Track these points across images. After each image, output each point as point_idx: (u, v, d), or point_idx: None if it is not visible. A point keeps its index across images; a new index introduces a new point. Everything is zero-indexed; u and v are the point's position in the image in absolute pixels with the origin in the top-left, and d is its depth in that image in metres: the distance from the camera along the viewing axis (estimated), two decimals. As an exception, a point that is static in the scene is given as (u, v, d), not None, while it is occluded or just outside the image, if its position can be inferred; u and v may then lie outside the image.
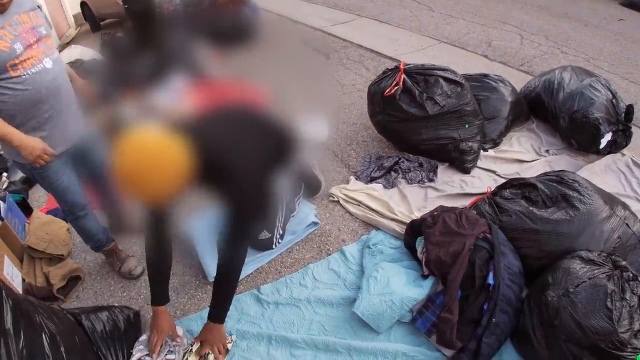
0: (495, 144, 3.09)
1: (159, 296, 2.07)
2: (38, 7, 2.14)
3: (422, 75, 2.88)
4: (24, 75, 1.98)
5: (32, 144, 2.04)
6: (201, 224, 2.64)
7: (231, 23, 3.73)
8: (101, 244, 2.64)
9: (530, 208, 2.21)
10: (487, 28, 4.95)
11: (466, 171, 2.90)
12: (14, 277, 2.62)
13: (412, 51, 4.54)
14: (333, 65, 4.15)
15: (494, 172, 2.92)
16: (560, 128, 3.08)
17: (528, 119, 3.31)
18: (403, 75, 2.88)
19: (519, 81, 3.51)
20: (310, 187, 2.72)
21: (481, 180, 2.87)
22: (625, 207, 2.25)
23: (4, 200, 2.84)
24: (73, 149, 2.28)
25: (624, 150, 3.01)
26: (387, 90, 2.86)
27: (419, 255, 2.29)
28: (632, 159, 2.94)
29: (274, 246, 2.51)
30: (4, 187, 3.38)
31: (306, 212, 2.66)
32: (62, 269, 2.71)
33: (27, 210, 3.11)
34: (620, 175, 2.87)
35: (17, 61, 1.95)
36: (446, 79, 2.86)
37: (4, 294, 1.66)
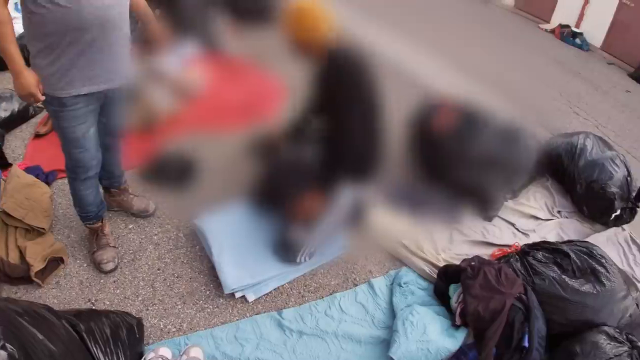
0: (515, 195, 3.08)
1: None
2: None
3: (469, 116, 2.80)
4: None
5: (26, 80, 1.75)
6: (222, 226, 2.36)
7: (252, 1, 3.46)
8: (90, 217, 2.27)
9: (563, 276, 2.23)
10: (506, 69, 4.91)
11: (489, 219, 2.85)
12: (-18, 248, 2.20)
13: (442, 79, 4.40)
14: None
15: (512, 224, 2.90)
16: (575, 193, 3.13)
17: (545, 175, 3.34)
18: (452, 112, 2.78)
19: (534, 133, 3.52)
20: (357, 220, 2.53)
21: (501, 231, 2.84)
22: (637, 288, 2.49)
23: (-21, 148, 2.37)
24: (103, 95, 1.96)
25: (624, 225, 3.09)
26: (434, 125, 2.77)
27: (453, 303, 2.21)
28: (630, 236, 3.02)
29: (298, 260, 2.29)
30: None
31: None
32: (42, 245, 2.30)
33: (1, 162, 2.63)
34: (619, 249, 2.94)
35: None
36: (492, 125, 2.81)
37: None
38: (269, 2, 3.22)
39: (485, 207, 2.85)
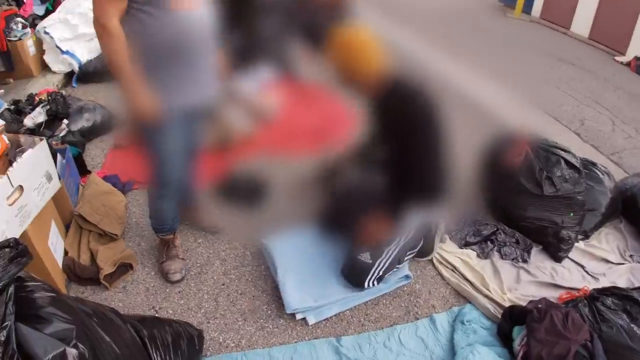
0: (587, 236, 2.92)
1: None
2: None
3: (546, 152, 2.71)
4: (170, 13, 1.72)
5: (144, 97, 1.77)
6: (288, 247, 2.38)
7: (328, 24, 3.48)
8: (164, 229, 2.34)
9: (632, 325, 2.08)
10: (581, 104, 4.79)
11: (558, 260, 2.72)
12: (57, 248, 2.32)
13: (507, 110, 4.31)
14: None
15: (582, 267, 2.75)
16: (650, 236, 2.94)
17: (618, 216, 3.18)
18: (527, 147, 2.69)
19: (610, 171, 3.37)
20: (423, 249, 2.49)
21: (570, 273, 2.70)
22: None
23: (63, 153, 2.49)
24: (194, 111, 1.99)
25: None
26: (509, 159, 2.67)
27: (516, 346, 2.11)
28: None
29: (366, 284, 2.25)
30: (62, 134, 2.99)
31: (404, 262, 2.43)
32: (114, 251, 2.39)
33: (81, 169, 2.75)
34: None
35: None
36: (567, 162, 2.69)
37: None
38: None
39: (556, 248, 2.73)
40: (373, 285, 2.27)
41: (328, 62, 2.04)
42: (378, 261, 2.24)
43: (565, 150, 2.75)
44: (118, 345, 1.56)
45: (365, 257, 2.24)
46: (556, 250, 2.72)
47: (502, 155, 2.76)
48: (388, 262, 2.26)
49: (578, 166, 2.71)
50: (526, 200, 2.70)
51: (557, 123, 4.27)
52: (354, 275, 2.27)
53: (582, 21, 7.27)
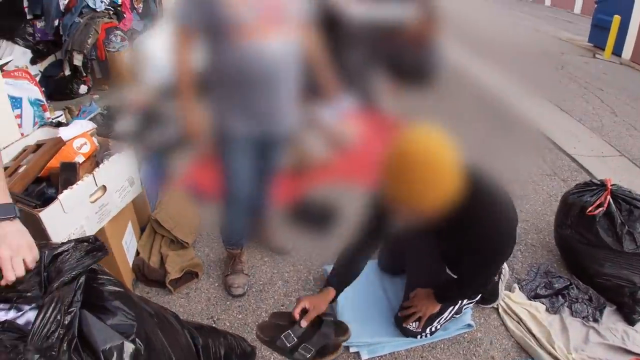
0: (664, 300, 2.73)
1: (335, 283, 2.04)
2: None
3: (629, 204, 2.55)
4: (237, 44, 1.79)
5: (194, 117, 1.94)
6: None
7: (414, 60, 3.48)
8: (231, 242, 2.43)
9: None
10: None
11: (632, 322, 2.53)
12: (130, 248, 2.43)
13: (592, 156, 4.18)
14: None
15: (657, 332, 2.57)
16: None
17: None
18: (609, 197, 2.56)
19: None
20: (486, 298, 2.42)
21: (643, 339, 2.53)
22: None
23: (148, 160, 2.63)
24: (263, 136, 2.08)
25: None
26: (589, 209, 2.54)
27: (576, 413, 1.99)
28: None
29: (418, 337, 2.20)
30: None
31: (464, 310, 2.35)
32: (183, 257, 2.49)
33: (163, 177, 2.89)
34: None
35: (235, 28, 1.76)
36: (650, 217, 2.53)
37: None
38: (429, 64, 3.24)
39: (631, 309, 2.55)
40: (425, 337, 2.22)
41: (381, 177, 1.60)
42: (429, 328, 2.19)
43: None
44: (173, 348, 1.60)
45: (415, 327, 2.18)
46: (631, 312, 2.54)
47: (583, 204, 2.64)
48: (439, 326, 2.22)
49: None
50: (604, 255, 2.55)
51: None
52: (403, 332, 2.22)
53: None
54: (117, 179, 2.26)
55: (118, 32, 4.52)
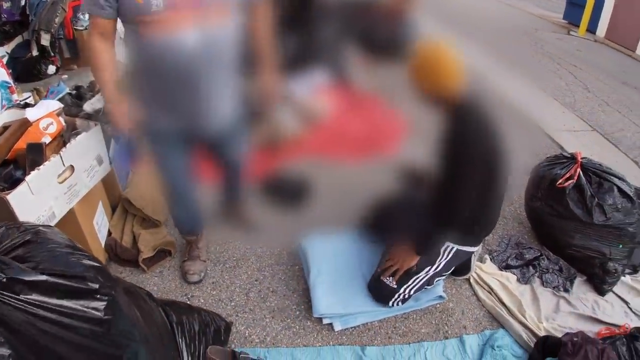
0: (635, 271, 2.77)
1: None
2: None
3: (598, 177, 2.58)
4: (150, 38, 1.62)
5: (116, 107, 1.80)
6: (324, 251, 2.39)
7: (387, 34, 3.47)
8: (182, 231, 2.39)
9: None
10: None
11: (602, 293, 2.59)
12: (101, 228, 2.41)
13: (564, 130, 4.25)
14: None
15: (627, 303, 2.61)
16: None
17: (670, 251, 3.01)
18: (579, 170, 2.59)
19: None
20: (459, 270, 2.44)
21: (613, 308, 2.56)
22: None
23: (117, 139, 2.58)
24: (195, 131, 1.95)
25: None
26: (559, 182, 2.57)
27: (546, 379, 2.04)
28: None
29: (390, 304, 2.22)
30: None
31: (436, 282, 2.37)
32: (155, 236, 2.47)
33: (134, 155, 2.85)
34: None
35: (148, 19, 1.58)
36: (620, 190, 2.55)
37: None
38: (402, 38, 3.22)
39: (601, 280, 2.60)
40: (397, 305, 2.23)
41: (407, 73, 2.00)
42: (404, 287, 2.20)
43: (619, 178, 2.62)
44: (148, 324, 1.61)
45: (390, 281, 2.20)
46: (601, 283, 2.60)
47: (555, 177, 2.67)
48: (414, 288, 2.22)
49: (632, 195, 2.58)
50: (574, 227, 2.59)
51: (615, 148, 4.09)
52: (378, 294, 2.25)
53: (649, 44, 6.94)
54: (85, 158, 2.23)
55: (87, 9, 4.39)
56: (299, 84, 2.99)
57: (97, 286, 1.29)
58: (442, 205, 2.11)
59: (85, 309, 1.25)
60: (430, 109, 2.03)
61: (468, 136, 1.95)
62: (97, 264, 1.36)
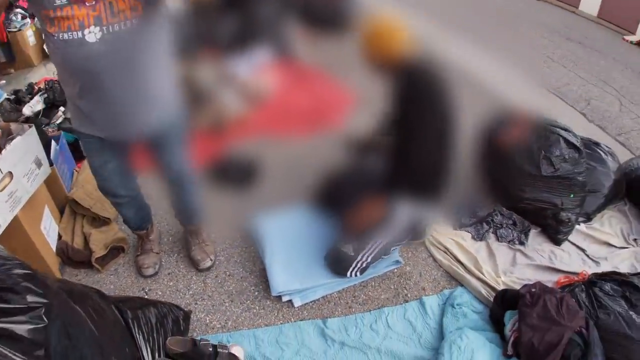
0: (589, 219, 2.84)
1: None
2: None
3: (545, 131, 2.61)
4: (55, 36, 1.47)
5: None
6: (277, 229, 2.38)
7: (328, 8, 3.44)
8: (131, 227, 2.31)
9: (630, 312, 2.01)
10: (587, 84, 4.66)
11: (558, 242, 2.65)
12: (50, 232, 2.34)
13: (510, 88, 4.24)
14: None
15: (583, 250, 2.68)
16: (656, 219, 2.83)
17: (622, 199, 3.08)
18: (525, 125, 2.62)
19: (615, 152, 3.26)
20: (414, 235, 2.45)
21: (570, 256, 2.62)
22: None
23: (57, 140, 2.52)
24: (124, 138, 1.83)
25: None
26: (505, 137, 2.60)
27: (507, 331, 2.06)
28: None
29: (348, 275, 2.23)
30: (59, 121, 3.03)
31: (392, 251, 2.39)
32: (106, 234, 2.42)
33: (77, 155, 2.78)
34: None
35: (52, 15, 1.44)
36: (566, 141, 2.59)
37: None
38: (344, 11, 3.19)
39: (555, 230, 2.66)
40: (356, 275, 2.24)
41: (357, 43, 2.10)
42: (361, 254, 2.21)
43: (565, 129, 2.66)
44: (96, 323, 1.57)
45: (348, 248, 2.21)
46: (555, 233, 2.65)
47: (501, 134, 2.70)
48: (372, 255, 2.22)
49: (578, 145, 2.62)
50: (524, 181, 2.63)
51: (562, 102, 4.17)
52: (336, 265, 2.25)
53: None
54: (23, 162, 2.14)
55: (18, 10, 4.22)
56: (241, 64, 2.94)
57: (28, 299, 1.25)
58: (399, 165, 2.17)
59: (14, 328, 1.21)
60: (379, 77, 2.12)
61: (418, 95, 2.06)
62: (29, 271, 1.32)
